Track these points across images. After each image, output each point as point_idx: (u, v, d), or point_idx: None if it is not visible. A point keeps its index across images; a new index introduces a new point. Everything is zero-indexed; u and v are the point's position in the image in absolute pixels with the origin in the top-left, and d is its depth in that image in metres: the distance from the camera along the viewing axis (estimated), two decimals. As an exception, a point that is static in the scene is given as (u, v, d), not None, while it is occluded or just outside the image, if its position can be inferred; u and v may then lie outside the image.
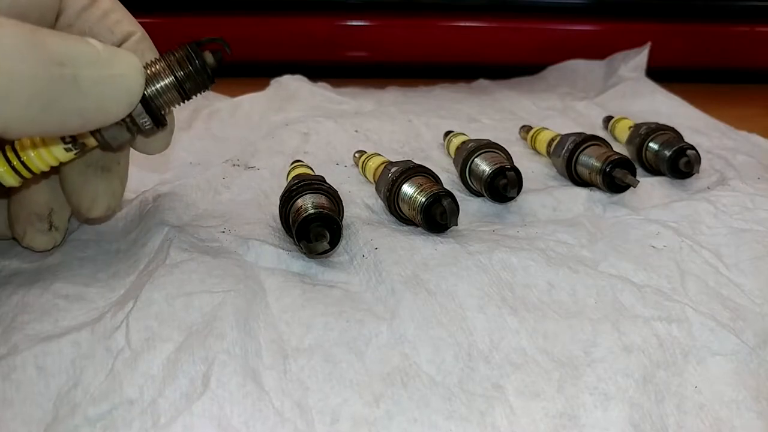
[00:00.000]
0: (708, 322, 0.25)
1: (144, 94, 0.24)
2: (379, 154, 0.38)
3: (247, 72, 0.63)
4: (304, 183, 0.29)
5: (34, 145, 0.25)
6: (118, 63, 0.23)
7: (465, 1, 0.64)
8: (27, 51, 0.19)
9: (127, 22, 0.27)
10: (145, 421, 0.20)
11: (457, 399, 0.22)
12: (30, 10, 0.25)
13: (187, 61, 0.25)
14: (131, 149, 0.30)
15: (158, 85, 0.25)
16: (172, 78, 0.25)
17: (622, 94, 0.55)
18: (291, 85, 0.55)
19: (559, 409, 0.21)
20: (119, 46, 0.27)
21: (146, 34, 0.28)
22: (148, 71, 0.25)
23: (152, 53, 0.28)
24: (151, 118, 0.25)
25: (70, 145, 0.25)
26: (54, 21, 0.26)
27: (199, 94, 0.26)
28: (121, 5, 0.28)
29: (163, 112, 0.25)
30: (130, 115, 0.24)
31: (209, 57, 0.25)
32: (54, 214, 0.29)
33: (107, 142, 0.24)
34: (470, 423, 0.21)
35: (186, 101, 0.26)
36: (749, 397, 0.22)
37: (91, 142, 0.25)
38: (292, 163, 0.37)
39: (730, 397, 0.22)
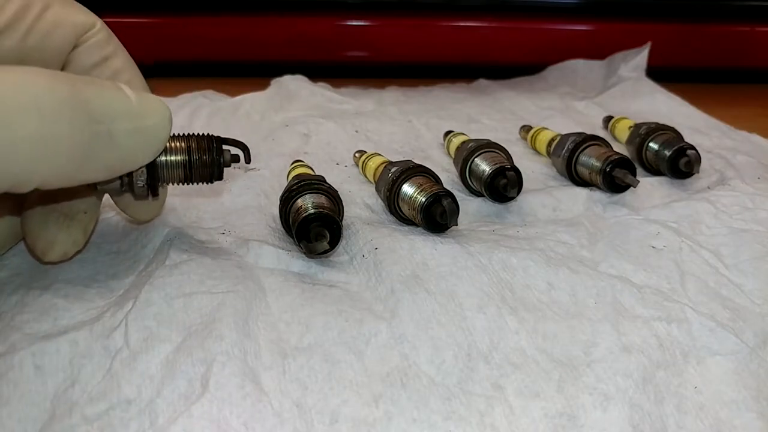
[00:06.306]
0: (708, 323, 0.25)
1: (155, 159, 0.25)
2: (379, 154, 0.38)
3: (247, 72, 0.63)
4: (304, 183, 0.29)
5: None
6: (150, 113, 0.23)
7: (465, 1, 0.64)
8: (68, 112, 0.19)
9: (135, 86, 0.27)
10: (143, 421, 0.20)
11: (456, 399, 0.22)
12: (33, 57, 0.24)
13: (206, 150, 0.26)
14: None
15: (170, 158, 0.25)
16: (185, 157, 0.25)
17: (622, 94, 0.55)
18: (291, 85, 0.55)
19: (558, 410, 0.21)
20: None
21: None
22: (168, 143, 0.25)
23: None
24: (148, 183, 0.25)
25: None
26: (59, 69, 0.26)
27: (201, 183, 0.27)
28: (134, 64, 0.28)
29: (160, 183, 0.26)
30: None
31: (227, 155, 0.26)
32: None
33: (95, 185, 0.25)
34: (469, 423, 0.21)
35: (185, 184, 0.26)
36: (749, 398, 0.22)
37: None
38: (293, 163, 0.37)
39: (730, 397, 0.22)
